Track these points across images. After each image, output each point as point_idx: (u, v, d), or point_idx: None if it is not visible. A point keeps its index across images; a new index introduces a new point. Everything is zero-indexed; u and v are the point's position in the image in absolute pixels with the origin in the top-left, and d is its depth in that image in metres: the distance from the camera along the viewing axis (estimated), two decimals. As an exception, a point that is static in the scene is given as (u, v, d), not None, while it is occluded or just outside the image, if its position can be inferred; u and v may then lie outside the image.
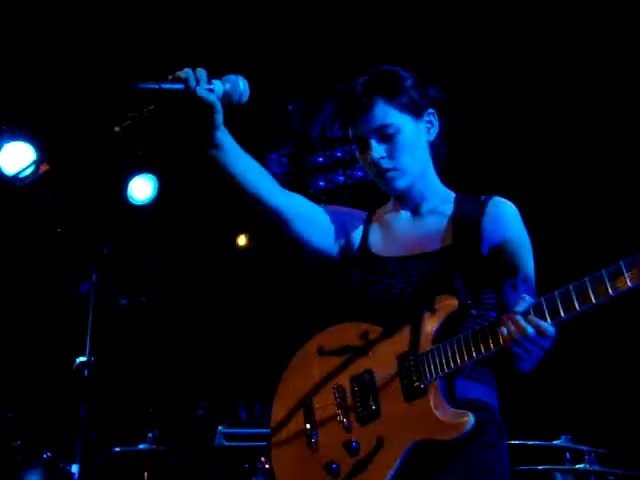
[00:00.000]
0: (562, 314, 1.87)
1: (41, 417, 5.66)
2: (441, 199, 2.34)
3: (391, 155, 2.25)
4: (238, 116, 2.06)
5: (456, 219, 2.27)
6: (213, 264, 6.54)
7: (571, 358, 5.19)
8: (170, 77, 1.89)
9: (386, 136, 2.24)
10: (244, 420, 5.48)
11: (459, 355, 1.99)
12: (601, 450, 4.19)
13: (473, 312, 2.11)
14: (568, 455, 4.25)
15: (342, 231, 2.39)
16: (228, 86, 1.95)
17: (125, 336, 6.09)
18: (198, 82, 1.90)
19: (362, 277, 2.29)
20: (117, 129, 1.89)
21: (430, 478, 2.05)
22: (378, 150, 2.25)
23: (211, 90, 1.93)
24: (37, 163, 5.54)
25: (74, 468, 4.57)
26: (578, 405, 5.04)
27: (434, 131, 2.32)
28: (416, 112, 2.28)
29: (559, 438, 4.29)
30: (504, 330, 1.92)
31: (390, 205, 2.42)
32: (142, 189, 6.16)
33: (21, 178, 5.56)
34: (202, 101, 1.92)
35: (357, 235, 2.39)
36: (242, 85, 1.98)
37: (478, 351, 1.97)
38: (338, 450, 2.11)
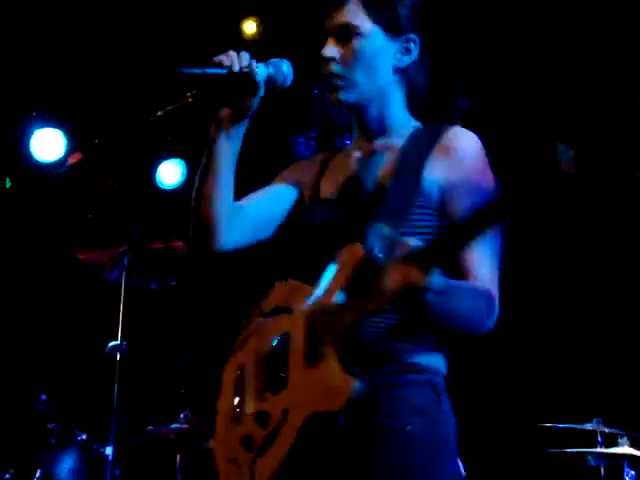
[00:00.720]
0: (441, 260, 1.60)
1: (75, 400, 5.73)
2: (401, 130, 2.06)
3: (344, 60, 2.01)
4: (266, 100, 2.04)
5: (402, 154, 1.99)
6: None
7: (602, 338, 5.17)
8: (213, 60, 1.90)
9: (346, 38, 2.01)
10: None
11: (352, 314, 1.76)
12: (634, 434, 4.18)
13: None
14: (600, 438, 4.25)
15: (284, 198, 2.18)
16: (272, 69, 1.95)
17: (156, 319, 6.15)
18: (242, 65, 1.90)
19: (302, 222, 2.11)
20: (160, 113, 1.90)
21: (339, 453, 1.84)
22: (331, 50, 2.02)
23: (255, 73, 1.93)
24: (70, 151, 5.60)
25: (108, 450, 4.63)
26: (610, 387, 5.02)
27: (407, 59, 2.04)
28: (393, 30, 2.02)
29: (590, 421, 4.28)
30: (384, 282, 1.64)
31: (352, 138, 2.18)
32: (171, 174, 6.19)
33: (55, 167, 5.62)
34: (246, 84, 1.92)
35: (310, 181, 2.18)
36: (286, 68, 1.98)
37: (366, 308, 1.74)
38: (252, 423, 1.91)
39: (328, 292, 1.83)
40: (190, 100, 1.89)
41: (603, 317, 5.24)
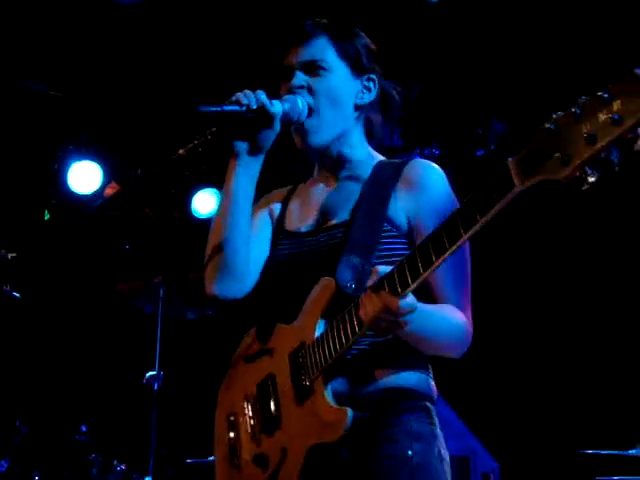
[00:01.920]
0: (410, 282, 1.61)
1: (114, 430, 5.77)
2: (363, 164, 2.08)
3: (312, 91, 2.02)
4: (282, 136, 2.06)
5: (367, 186, 2.02)
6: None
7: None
8: (231, 99, 1.92)
9: (314, 71, 2.03)
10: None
11: (333, 346, 1.78)
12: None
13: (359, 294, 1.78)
14: (645, 465, 4.15)
15: (265, 233, 2.17)
16: (287, 106, 1.97)
17: (193, 349, 6.17)
18: (259, 103, 1.92)
19: (272, 257, 2.10)
20: (182, 151, 1.93)
21: None
22: (300, 79, 2.03)
23: (271, 109, 1.94)
24: (106, 183, 5.68)
25: (147, 480, 4.65)
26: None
27: (367, 97, 2.09)
28: (357, 68, 2.07)
29: (634, 447, 4.19)
30: (360, 311, 1.70)
31: (314, 174, 2.20)
32: (206, 203, 6.24)
33: (92, 199, 5.70)
34: (262, 120, 1.94)
35: (278, 214, 2.19)
36: (301, 104, 1.99)
37: (347, 338, 1.75)
38: (253, 467, 1.96)
39: (306, 327, 1.88)
40: (210, 137, 1.91)
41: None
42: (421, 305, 1.73)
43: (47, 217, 5.81)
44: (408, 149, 2.16)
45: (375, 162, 2.09)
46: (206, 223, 6.24)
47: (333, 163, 2.12)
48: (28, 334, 5.94)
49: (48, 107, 5.54)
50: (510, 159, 1.44)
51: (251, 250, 2.09)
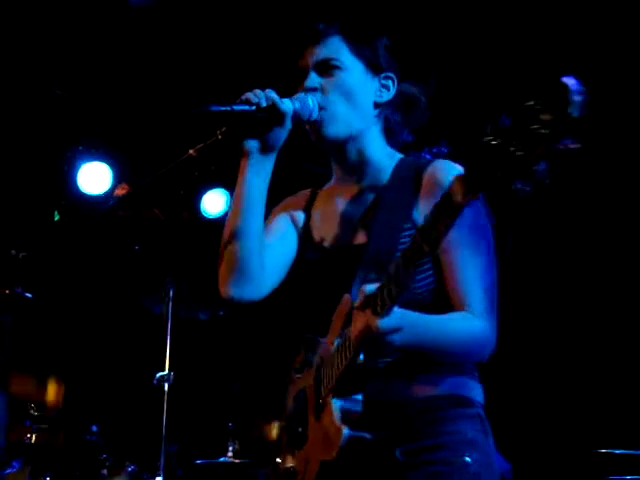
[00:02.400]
0: (389, 302, 1.60)
1: (125, 431, 5.77)
2: (383, 166, 2.05)
3: (325, 91, 2.00)
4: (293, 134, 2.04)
5: (387, 192, 1.98)
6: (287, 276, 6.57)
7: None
8: (241, 98, 1.91)
9: (328, 70, 2.01)
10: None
11: (338, 363, 1.79)
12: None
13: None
14: (658, 465, 4.12)
15: (289, 238, 2.15)
16: (298, 104, 1.96)
17: (204, 350, 6.17)
18: (269, 102, 1.91)
19: (301, 268, 2.11)
20: (192, 152, 1.92)
21: None
22: (313, 80, 2.01)
23: (282, 108, 1.93)
24: (116, 184, 5.68)
25: (157, 480, 4.65)
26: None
27: (386, 96, 2.06)
28: (373, 67, 2.05)
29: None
30: (349, 330, 1.71)
31: (334, 176, 2.16)
32: (215, 203, 6.23)
33: (102, 200, 5.70)
34: (273, 119, 1.93)
35: (301, 222, 2.16)
36: (311, 103, 1.98)
37: (345, 357, 1.75)
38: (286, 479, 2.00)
39: (327, 343, 1.90)
40: (220, 137, 1.91)
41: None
42: (416, 318, 1.74)
43: (57, 218, 5.81)
44: (416, 147, 2.11)
45: (394, 161, 2.06)
46: (215, 223, 6.24)
47: (352, 164, 2.09)
48: (40, 334, 5.95)
49: (58, 108, 5.55)
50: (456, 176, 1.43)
51: (269, 252, 2.07)
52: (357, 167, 2.08)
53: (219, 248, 2.06)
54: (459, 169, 1.90)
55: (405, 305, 1.80)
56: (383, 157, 2.08)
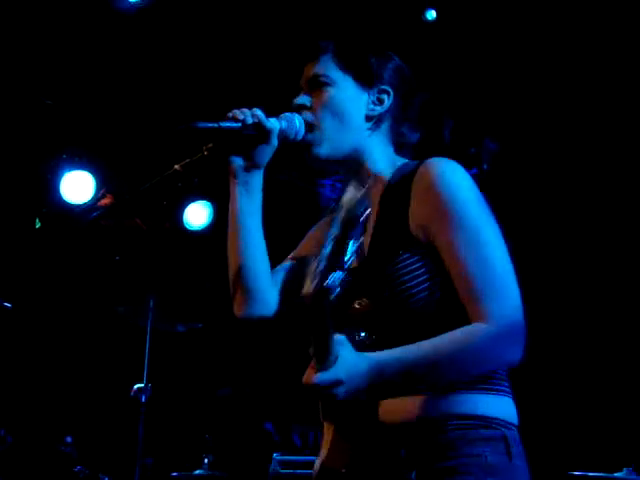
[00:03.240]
0: (323, 353, 1.56)
1: (100, 442, 5.73)
2: (386, 177, 1.98)
3: (314, 108, 1.98)
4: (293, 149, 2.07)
5: (382, 206, 1.92)
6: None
7: (634, 389, 5.07)
8: (228, 115, 1.93)
9: (317, 87, 1.99)
10: (298, 447, 5.47)
11: None
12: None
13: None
14: (631, 488, 4.15)
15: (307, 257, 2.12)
16: (284, 124, 1.97)
17: (181, 363, 6.15)
18: (254, 119, 1.92)
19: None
20: (177, 167, 1.93)
21: None
22: (302, 98, 2.00)
23: (267, 126, 1.95)
24: (99, 194, 5.66)
25: (132, 494, 4.61)
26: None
27: (380, 109, 2.01)
28: (365, 81, 2.00)
29: (621, 470, 4.19)
30: None
31: (347, 193, 2.10)
32: (198, 215, 6.23)
33: (85, 209, 5.68)
34: (259, 137, 1.94)
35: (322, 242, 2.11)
36: (298, 123, 1.99)
37: None
38: None
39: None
40: (206, 153, 1.92)
41: (635, 367, 5.14)
42: (369, 362, 1.63)
43: (38, 225, 5.79)
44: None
45: (394, 171, 1.99)
46: (198, 235, 6.23)
47: (355, 178, 2.05)
48: (17, 344, 5.90)
49: (42, 115, 5.54)
50: None
51: (289, 270, 2.10)
52: (361, 180, 2.04)
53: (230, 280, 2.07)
54: (452, 163, 1.86)
55: (404, 319, 1.77)
56: (385, 168, 2.01)
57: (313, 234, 2.21)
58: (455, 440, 1.74)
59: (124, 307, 5.15)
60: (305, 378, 1.60)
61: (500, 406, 1.80)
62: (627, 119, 5.08)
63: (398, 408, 1.78)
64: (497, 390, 1.81)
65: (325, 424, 1.85)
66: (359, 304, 1.82)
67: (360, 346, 1.67)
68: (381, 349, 1.69)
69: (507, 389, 1.84)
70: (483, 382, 1.78)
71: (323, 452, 1.83)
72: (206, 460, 5.04)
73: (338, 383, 1.57)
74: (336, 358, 1.56)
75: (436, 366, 1.69)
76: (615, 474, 4.19)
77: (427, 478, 1.74)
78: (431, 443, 1.75)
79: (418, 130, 2.07)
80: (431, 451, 1.75)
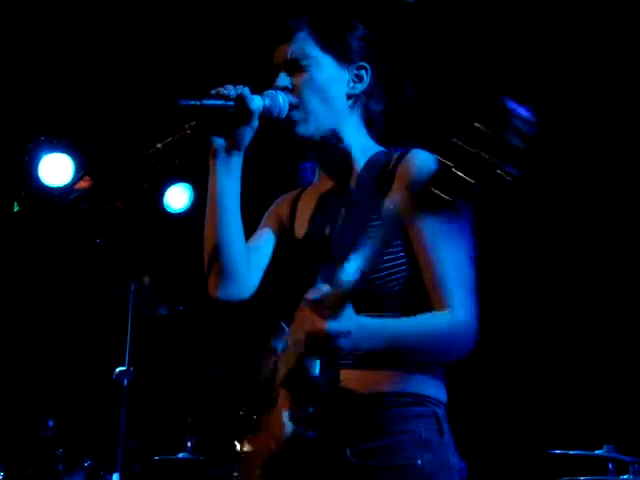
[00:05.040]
0: (337, 303, 1.59)
1: (82, 426, 5.71)
2: (362, 160, 2.04)
3: (297, 89, 1.99)
4: (276, 128, 2.06)
5: (357, 189, 1.98)
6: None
7: (613, 366, 5.12)
8: (212, 93, 1.91)
9: (298, 68, 2.00)
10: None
11: (286, 363, 1.81)
12: (646, 461, 4.11)
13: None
14: (611, 466, 4.18)
15: (274, 238, 2.17)
16: (268, 101, 1.96)
17: (164, 346, 6.13)
18: (238, 95, 1.91)
19: (287, 266, 2.12)
20: (159, 146, 1.91)
21: None
22: (284, 80, 2.01)
23: (251, 104, 1.93)
24: (78, 176, 5.61)
25: (115, 477, 4.60)
26: (622, 413, 4.96)
27: (360, 86, 2.04)
28: (344, 58, 2.03)
29: (602, 448, 4.22)
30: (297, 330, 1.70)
31: (317, 173, 2.16)
32: (178, 198, 6.19)
33: (63, 192, 5.64)
34: (242, 115, 1.93)
35: (287, 220, 2.18)
36: (281, 100, 1.98)
37: (293, 357, 1.76)
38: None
39: (291, 335, 1.88)
40: (189, 132, 1.90)
41: (616, 344, 5.19)
42: (369, 323, 1.70)
43: (16, 209, 5.73)
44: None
45: (370, 155, 2.04)
46: (178, 218, 6.20)
47: (329, 160, 2.09)
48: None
49: (19, 98, 5.47)
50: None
51: (257, 252, 2.11)
52: (334, 162, 2.08)
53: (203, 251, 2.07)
54: (431, 156, 1.89)
55: (377, 299, 1.83)
56: (359, 150, 2.06)
57: (276, 209, 2.23)
58: (389, 418, 1.84)
59: (106, 290, 5.12)
60: (311, 326, 1.60)
61: (431, 385, 1.90)
62: (609, 109, 5.08)
63: (336, 384, 1.81)
64: (429, 371, 1.91)
65: (281, 390, 1.86)
66: None
67: None
68: None
69: (439, 371, 1.94)
70: (418, 363, 1.89)
71: (283, 416, 1.82)
72: (189, 443, 5.04)
73: (347, 334, 1.61)
74: (344, 312, 1.60)
75: (412, 343, 1.79)
76: (595, 452, 4.22)
77: (363, 456, 1.81)
78: (366, 421, 1.84)
79: (384, 99, 2.08)
80: (365, 429, 1.83)
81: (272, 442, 1.80)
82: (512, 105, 1.25)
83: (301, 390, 1.76)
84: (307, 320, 1.62)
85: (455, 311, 1.81)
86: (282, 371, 1.82)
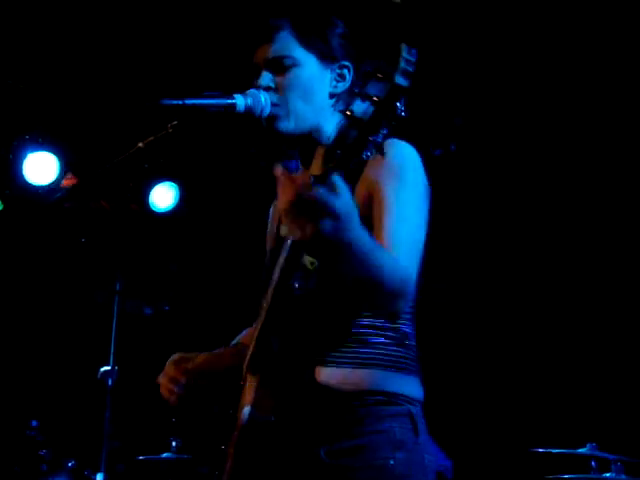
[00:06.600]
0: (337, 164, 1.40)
1: (66, 426, 5.69)
2: None
3: (280, 89, 1.99)
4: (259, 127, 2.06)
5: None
6: (234, 271, 6.56)
7: (597, 365, 5.15)
8: (193, 93, 1.92)
9: (281, 68, 2.00)
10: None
11: (252, 347, 1.89)
12: (627, 458, 4.14)
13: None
14: (594, 464, 4.21)
15: None
16: (250, 100, 1.97)
17: (149, 345, 6.11)
18: (220, 96, 1.92)
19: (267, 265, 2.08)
20: (141, 145, 1.92)
21: None
22: (267, 79, 2.00)
23: (233, 104, 1.94)
24: (62, 175, 5.59)
25: (99, 477, 4.59)
26: (604, 412, 4.99)
27: (342, 86, 2.04)
28: (327, 57, 2.03)
29: (584, 446, 4.24)
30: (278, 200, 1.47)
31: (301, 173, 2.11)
32: (164, 197, 6.18)
33: (48, 190, 5.62)
34: (223, 114, 1.94)
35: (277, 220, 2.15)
36: (263, 99, 1.99)
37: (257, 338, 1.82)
38: None
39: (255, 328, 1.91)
40: (171, 131, 1.91)
41: (599, 344, 5.22)
42: (357, 217, 1.48)
43: (1, 208, 5.71)
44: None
45: None
46: (164, 217, 6.19)
47: (311, 158, 2.05)
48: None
49: (4, 96, 5.45)
50: None
51: None
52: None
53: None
54: (411, 148, 1.92)
55: None
56: None
57: (272, 221, 2.26)
58: (363, 418, 1.82)
59: (91, 289, 5.11)
60: (291, 190, 1.38)
61: (406, 383, 1.89)
62: (604, 104, 5.10)
63: (305, 382, 1.81)
64: (404, 369, 1.89)
65: (248, 376, 1.87)
66: None
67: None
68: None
69: (414, 368, 1.92)
70: (392, 361, 1.87)
71: (247, 401, 1.84)
72: (173, 443, 5.03)
73: (332, 210, 1.38)
74: (338, 187, 1.39)
75: (378, 264, 1.59)
76: (578, 450, 4.25)
77: (336, 456, 1.80)
78: (340, 420, 1.82)
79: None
80: (339, 428, 1.81)
81: (236, 432, 1.82)
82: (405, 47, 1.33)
83: (264, 370, 1.76)
84: (288, 185, 1.40)
85: (400, 257, 1.72)
86: (246, 358, 1.84)
